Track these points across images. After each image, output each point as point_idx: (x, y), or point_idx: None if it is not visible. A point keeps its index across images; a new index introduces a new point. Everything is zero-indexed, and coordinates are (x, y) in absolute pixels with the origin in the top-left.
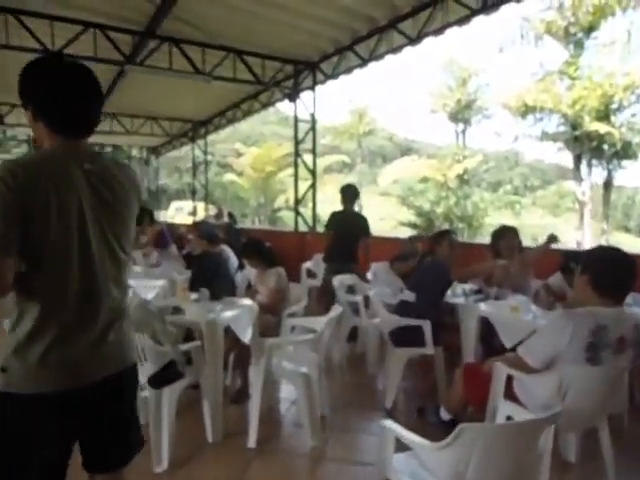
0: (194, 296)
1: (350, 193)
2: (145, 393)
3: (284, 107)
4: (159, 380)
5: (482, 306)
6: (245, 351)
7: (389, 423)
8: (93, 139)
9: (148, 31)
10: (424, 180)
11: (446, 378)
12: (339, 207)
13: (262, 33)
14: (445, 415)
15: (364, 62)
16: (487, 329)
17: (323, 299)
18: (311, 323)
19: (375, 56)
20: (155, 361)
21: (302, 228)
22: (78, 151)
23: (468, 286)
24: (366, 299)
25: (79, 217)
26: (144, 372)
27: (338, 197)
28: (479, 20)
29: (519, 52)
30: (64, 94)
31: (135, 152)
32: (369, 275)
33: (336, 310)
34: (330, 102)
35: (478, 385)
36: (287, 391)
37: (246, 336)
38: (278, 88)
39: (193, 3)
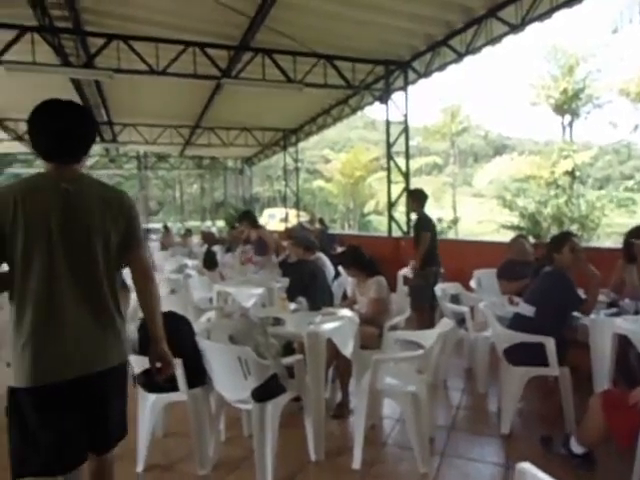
0: (293, 306)
1: (424, 197)
2: (248, 406)
3: (370, 111)
4: (263, 394)
5: (617, 321)
6: (345, 363)
7: (528, 468)
8: (193, 152)
9: (242, 44)
10: (524, 179)
11: (574, 404)
12: (431, 211)
13: (352, 36)
14: (577, 447)
15: (460, 57)
16: (624, 348)
17: (419, 306)
18: (418, 337)
19: (472, 49)
20: (258, 375)
21: (394, 233)
22: (61, 175)
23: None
24: (471, 309)
25: (52, 231)
26: (247, 386)
27: (429, 200)
28: None
29: (638, 31)
30: (41, 132)
31: (230, 163)
32: (472, 283)
33: (446, 325)
34: (419, 102)
35: (626, 416)
36: (391, 409)
37: (347, 349)
38: (368, 91)
39: (285, 12)
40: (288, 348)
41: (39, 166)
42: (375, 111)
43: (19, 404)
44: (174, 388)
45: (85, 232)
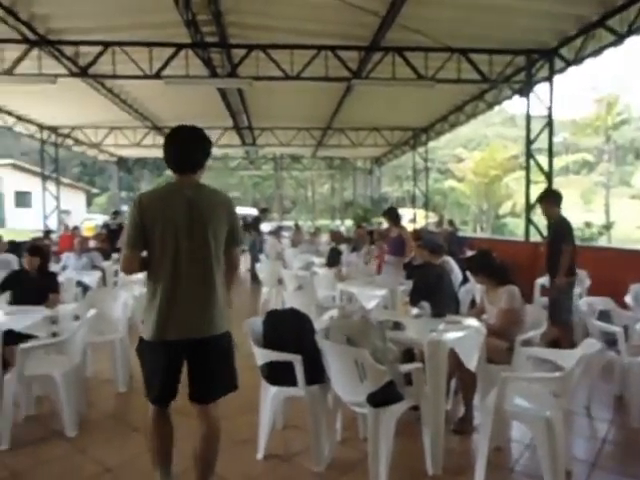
0: (415, 311)
1: (559, 198)
2: (364, 410)
3: (509, 106)
4: (378, 400)
5: None
6: (469, 376)
7: None
8: (324, 153)
9: (373, 44)
10: None
11: None
12: (578, 214)
13: (490, 25)
14: None
15: (620, 38)
16: None
17: (559, 320)
18: (556, 356)
19: (636, 28)
20: (374, 379)
21: (533, 238)
22: (186, 183)
23: None
24: (625, 329)
25: (180, 226)
26: (363, 389)
27: (576, 202)
28: None
29: None
30: (171, 149)
31: (360, 163)
32: (628, 299)
33: (592, 346)
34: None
35: None
36: (520, 432)
37: (472, 362)
38: (507, 84)
39: (418, 8)
40: (408, 355)
41: None
42: (515, 106)
43: (142, 350)
44: (294, 382)
45: (201, 228)
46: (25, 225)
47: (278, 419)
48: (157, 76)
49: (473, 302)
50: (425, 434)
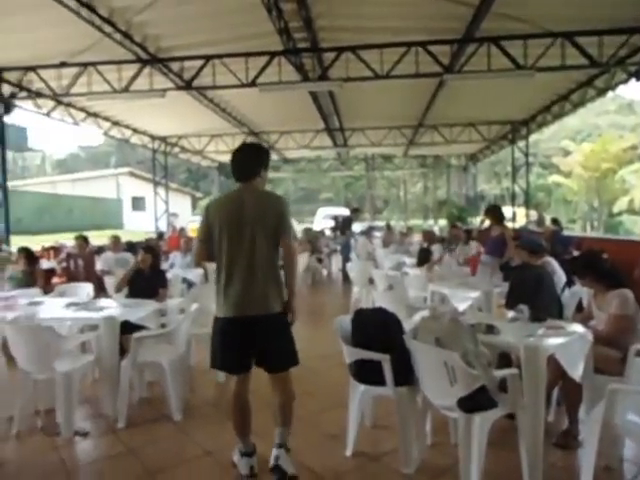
0: (512, 314)
1: None
2: (454, 414)
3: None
4: (469, 405)
5: None
6: (574, 387)
7: None
8: (416, 151)
9: (466, 36)
10: None
11: None
12: None
13: (598, 3)
14: None
15: None
16: None
17: None
18: None
19: None
20: (465, 383)
21: None
22: (242, 189)
23: None
24: None
25: (231, 225)
26: (453, 393)
27: None
28: None
29: None
30: (233, 163)
31: (454, 160)
32: None
33: None
34: None
35: None
36: (634, 451)
37: (576, 371)
38: (621, 67)
39: None
40: (504, 360)
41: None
42: (633, 91)
43: (214, 328)
44: (383, 382)
45: (250, 226)
46: (140, 227)
47: (367, 417)
48: (252, 84)
49: (580, 306)
50: (522, 445)
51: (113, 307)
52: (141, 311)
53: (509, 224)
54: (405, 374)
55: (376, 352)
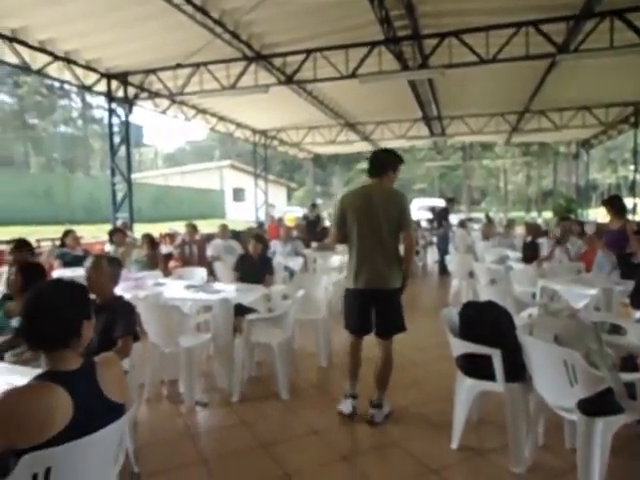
0: (639, 315)
1: None
2: (572, 416)
3: None
4: (592, 408)
5: None
6: None
7: None
8: (520, 139)
9: (585, 11)
10: None
11: None
12: None
13: None
14: None
15: None
16: None
17: None
18: None
19: None
20: (587, 385)
21: None
22: (372, 185)
23: None
24: None
25: (361, 214)
26: (573, 394)
27: None
28: None
29: None
30: (369, 161)
31: (562, 148)
32: None
33: None
34: None
35: None
36: None
37: None
38: None
39: None
40: (628, 363)
41: None
42: None
43: (345, 297)
44: (491, 376)
45: (376, 216)
46: (240, 217)
47: (473, 412)
48: (353, 75)
49: None
50: None
51: (227, 290)
52: (251, 295)
53: (629, 217)
54: (516, 370)
55: (485, 346)
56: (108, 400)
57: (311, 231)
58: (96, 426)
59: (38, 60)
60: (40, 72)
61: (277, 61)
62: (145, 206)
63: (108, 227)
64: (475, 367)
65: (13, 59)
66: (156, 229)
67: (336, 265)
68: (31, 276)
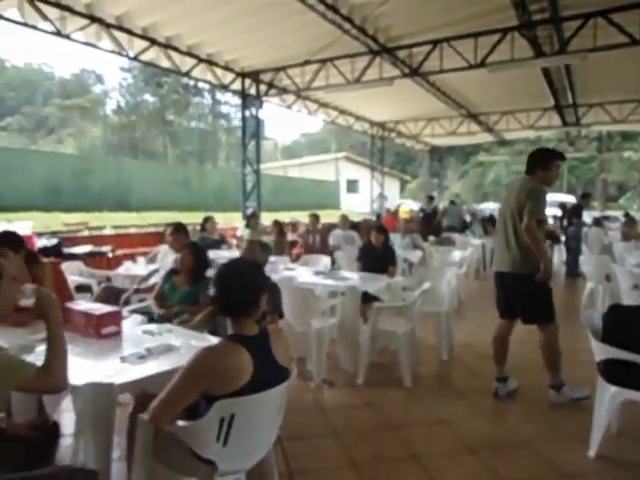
0: None
1: None
2: None
3: None
4: None
5: None
6: None
7: None
8: None
9: None
10: None
11: None
12: None
13: None
14: None
15: None
16: None
17: None
18: None
19: None
20: None
21: None
22: (520, 179)
23: None
24: None
25: (502, 204)
26: None
27: None
28: None
29: None
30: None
31: None
32: None
33: None
34: None
35: None
36: None
37: None
38: None
39: None
40: None
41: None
42: None
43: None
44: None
45: (512, 206)
46: (353, 208)
47: (614, 420)
48: (482, 65)
49: None
50: None
51: (353, 278)
52: (376, 284)
53: None
54: None
55: (635, 353)
56: (278, 364)
57: (428, 224)
58: (269, 384)
59: (186, 63)
60: (187, 74)
61: (402, 53)
62: (266, 195)
63: (235, 214)
64: (621, 374)
65: (166, 63)
66: (276, 217)
67: (456, 260)
68: (199, 255)
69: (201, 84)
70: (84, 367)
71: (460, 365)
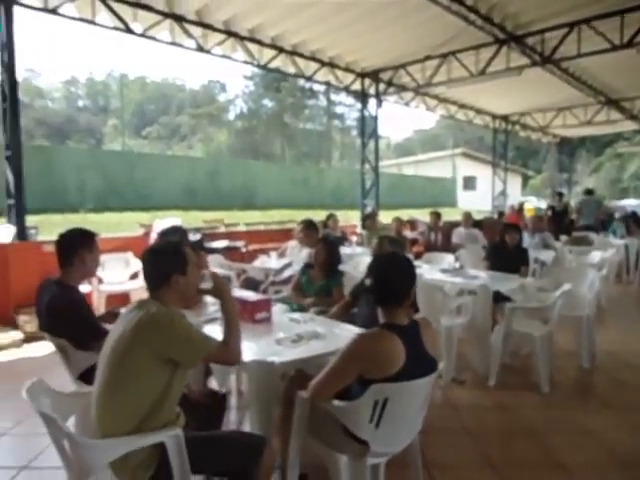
0: None
1: None
2: None
3: None
4: None
5: None
6: None
7: None
8: None
9: None
10: None
11: None
12: None
13: None
14: None
15: None
16: None
17: None
18: None
19: None
20: None
21: None
22: None
23: None
24: None
25: None
26: None
27: None
28: None
29: None
30: None
31: None
32: None
33: None
34: None
35: None
36: None
37: None
38: None
39: None
40: None
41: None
42: None
43: None
44: None
45: None
46: (470, 205)
47: None
48: (629, 44)
49: None
50: None
51: (483, 277)
52: (508, 284)
53: None
54: None
55: None
56: (428, 354)
57: (558, 222)
58: (420, 373)
59: (310, 67)
60: (310, 78)
61: (531, 40)
62: (382, 193)
63: (352, 212)
64: None
65: (291, 69)
66: (392, 215)
67: (595, 261)
68: (332, 250)
69: (316, 87)
70: (246, 347)
71: (604, 374)
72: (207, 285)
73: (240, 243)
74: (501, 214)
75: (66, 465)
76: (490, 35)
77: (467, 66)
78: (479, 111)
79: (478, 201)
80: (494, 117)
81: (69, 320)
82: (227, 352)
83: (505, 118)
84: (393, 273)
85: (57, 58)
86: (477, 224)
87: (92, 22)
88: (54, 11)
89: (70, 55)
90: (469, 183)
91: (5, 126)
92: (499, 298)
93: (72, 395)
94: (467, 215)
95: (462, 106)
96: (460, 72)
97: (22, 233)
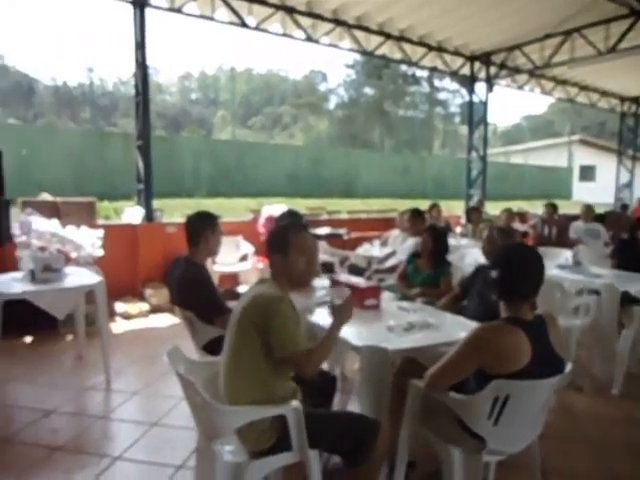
0: None
1: None
2: None
3: None
4: None
5: None
6: None
7: None
8: None
9: None
10: None
11: None
12: None
13: None
14: None
15: None
16: None
17: None
18: None
19: None
20: None
21: None
22: None
23: None
24: None
25: None
26: None
27: None
28: None
29: None
30: None
31: None
32: None
33: None
34: None
35: None
36: None
37: None
38: None
39: None
40: None
41: None
42: None
43: None
44: None
45: None
46: (586, 198)
47: None
48: None
49: None
50: None
51: (608, 276)
52: (639, 285)
53: None
54: None
55: None
56: (555, 353)
57: None
58: (546, 372)
59: (417, 53)
60: (416, 63)
61: None
62: (488, 183)
63: (454, 202)
64: None
65: (398, 55)
66: (498, 207)
67: None
68: (439, 239)
69: (419, 72)
70: (356, 332)
71: None
72: (337, 301)
73: (342, 230)
74: (625, 207)
75: (198, 426)
76: (624, 7)
77: (594, 43)
78: (605, 93)
79: (597, 193)
80: (622, 99)
81: (195, 295)
82: (306, 361)
83: (636, 100)
84: (524, 267)
85: (173, 55)
86: (599, 218)
87: (211, 18)
88: (179, 10)
89: (185, 51)
90: (587, 173)
91: (137, 118)
92: (627, 300)
93: (201, 363)
94: (588, 208)
95: (584, 88)
96: (585, 50)
97: (150, 215)
